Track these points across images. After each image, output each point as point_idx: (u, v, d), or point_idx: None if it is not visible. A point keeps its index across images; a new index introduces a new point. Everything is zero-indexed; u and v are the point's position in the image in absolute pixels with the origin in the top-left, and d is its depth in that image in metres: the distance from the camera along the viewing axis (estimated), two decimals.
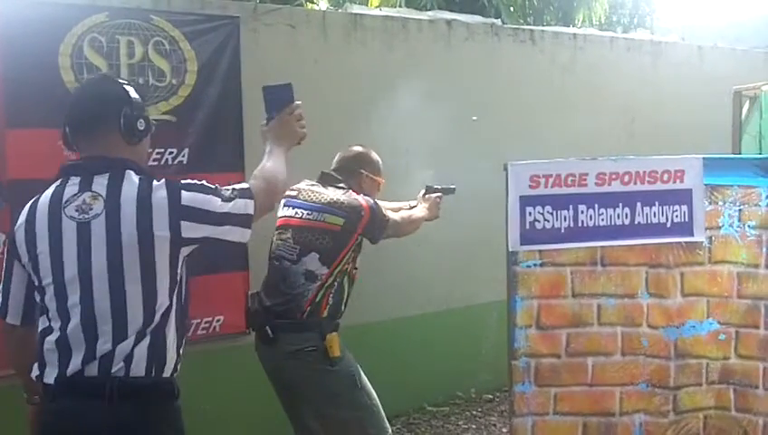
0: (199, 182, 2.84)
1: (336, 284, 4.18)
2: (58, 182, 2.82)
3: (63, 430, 2.70)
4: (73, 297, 2.68)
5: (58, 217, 2.73)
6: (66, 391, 2.68)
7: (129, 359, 2.66)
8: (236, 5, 5.72)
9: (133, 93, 2.89)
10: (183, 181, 2.81)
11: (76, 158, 2.89)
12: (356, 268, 4.30)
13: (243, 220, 2.85)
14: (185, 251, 2.79)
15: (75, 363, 2.66)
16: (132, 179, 2.75)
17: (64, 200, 2.74)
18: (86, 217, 2.69)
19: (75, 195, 2.74)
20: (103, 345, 2.65)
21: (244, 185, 2.92)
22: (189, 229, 2.74)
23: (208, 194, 2.80)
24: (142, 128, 2.88)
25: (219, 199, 2.80)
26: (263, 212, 3.01)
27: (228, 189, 2.86)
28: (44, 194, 2.81)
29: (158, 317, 2.72)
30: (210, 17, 5.38)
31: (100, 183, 2.74)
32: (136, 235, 2.67)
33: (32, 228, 2.78)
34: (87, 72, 4.79)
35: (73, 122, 2.87)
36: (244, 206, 2.85)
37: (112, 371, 2.64)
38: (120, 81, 2.96)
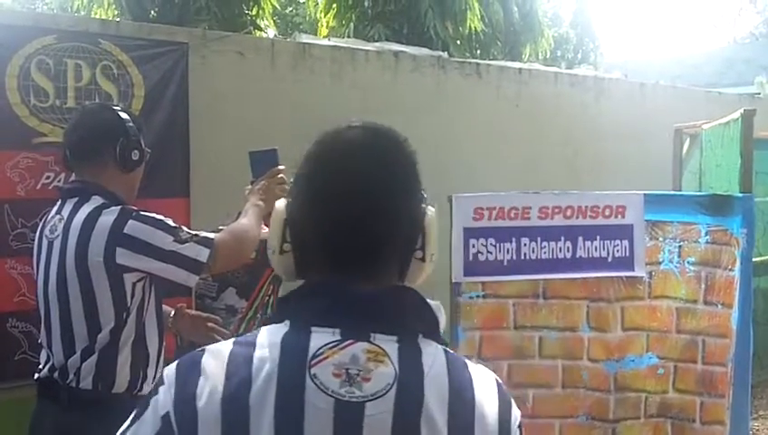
0: (158, 217, 2.88)
1: (258, 316, 4.20)
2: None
3: (33, 427, 2.98)
4: (42, 309, 2.93)
5: (42, 234, 2.99)
6: (40, 392, 2.97)
7: (77, 372, 2.83)
8: (185, 32, 5.72)
9: (130, 124, 2.99)
10: (140, 212, 2.86)
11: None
12: None
13: (191, 265, 2.88)
14: (130, 277, 2.84)
15: (45, 369, 2.93)
16: (91, 204, 2.86)
17: (47, 220, 2.97)
18: (52, 236, 2.90)
19: (53, 216, 2.95)
20: (59, 356, 2.85)
21: (210, 235, 2.97)
22: (125, 257, 2.80)
23: (160, 229, 2.85)
24: (136, 158, 3.01)
25: (171, 238, 2.85)
26: (225, 265, 3.14)
27: (190, 233, 2.92)
28: None
29: (105, 335, 2.83)
30: (159, 43, 5.35)
31: (68, 207, 2.90)
32: (74, 257, 2.80)
33: (33, 243, 3.08)
34: (34, 93, 4.75)
35: (71, 147, 3.01)
36: (197, 252, 2.88)
37: (67, 380, 2.83)
38: (119, 111, 3.04)
